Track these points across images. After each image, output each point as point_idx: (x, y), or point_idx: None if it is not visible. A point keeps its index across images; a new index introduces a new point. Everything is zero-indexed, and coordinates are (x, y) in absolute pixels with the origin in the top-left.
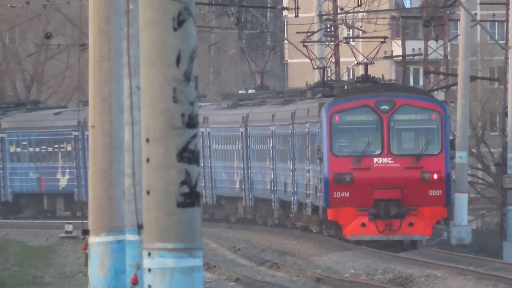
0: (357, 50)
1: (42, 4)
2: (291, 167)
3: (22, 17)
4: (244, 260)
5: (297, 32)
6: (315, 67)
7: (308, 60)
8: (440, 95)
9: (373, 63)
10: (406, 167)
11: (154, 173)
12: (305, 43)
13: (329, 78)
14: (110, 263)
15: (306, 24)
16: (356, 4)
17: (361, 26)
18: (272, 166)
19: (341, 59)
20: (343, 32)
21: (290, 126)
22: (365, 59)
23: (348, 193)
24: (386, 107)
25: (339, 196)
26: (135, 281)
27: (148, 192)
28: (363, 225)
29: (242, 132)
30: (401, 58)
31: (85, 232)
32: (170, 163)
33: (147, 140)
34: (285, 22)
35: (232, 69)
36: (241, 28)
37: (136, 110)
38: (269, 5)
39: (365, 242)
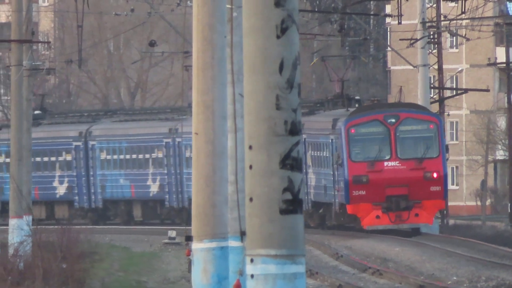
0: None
1: (146, 12)
2: (330, 172)
3: (127, 25)
4: (346, 267)
5: (400, 39)
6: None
7: (411, 67)
8: None
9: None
10: (411, 169)
11: (257, 180)
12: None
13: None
14: (213, 269)
15: (409, 31)
16: (459, 12)
17: (464, 34)
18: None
19: (444, 66)
20: (446, 39)
21: (319, 136)
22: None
23: (364, 191)
24: (393, 120)
25: (357, 194)
26: (238, 287)
27: (251, 199)
28: (377, 217)
29: None
30: (505, 65)
31: (189, 239)
32: (273, 170)
33: (250, 147)
34: (388, 29)
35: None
36: (344, 35)
37: (239, 117)
38: (372, 12)
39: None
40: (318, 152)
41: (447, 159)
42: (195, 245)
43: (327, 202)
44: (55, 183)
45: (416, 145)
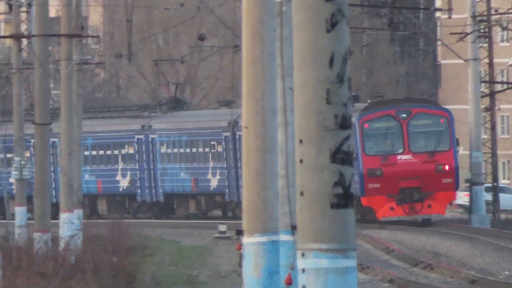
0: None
1: (195, 6)
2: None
3: (176, 19)
4: (397, 261)
5: (451, 33)
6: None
7: (461, 61)
8: None
9: None
10: (424, 162)
11: (308, 174)
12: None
13: None
14: (264, 264)
15: (459, 25)
16: (510, 5)
17: None
18: None
19: (495, 60)
20: (497, 33)
21: None
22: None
23: (379, 184)
24: (404, 115)
25: (372, 186)
26: (289, 281)
27: (301, 193)
28: (391, 208)
29: None
30: None
31: (239, 233)
32: (324, 164)
33: (301, 141)
34: (438, 23)
35: (385, 71)
36: (393, 30)
37: (289, 112)
38: (422, 6)
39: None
40: None
41: (458, 152)
42: (246, 239)
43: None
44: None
45: (428, 139)
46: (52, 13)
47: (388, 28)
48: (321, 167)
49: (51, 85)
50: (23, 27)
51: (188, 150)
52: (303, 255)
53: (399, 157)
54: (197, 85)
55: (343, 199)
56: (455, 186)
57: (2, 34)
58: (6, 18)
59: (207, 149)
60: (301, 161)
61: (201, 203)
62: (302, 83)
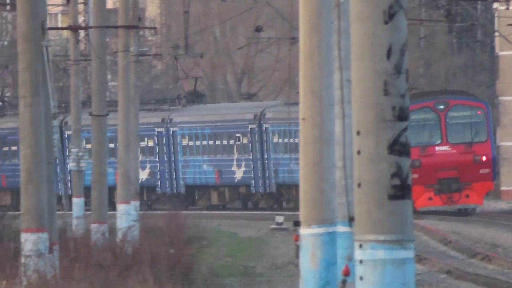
0: None
1: None
2: None
3: (233, 11)
4: (455, 252)
5: (508, 25)
6: None
7: None
8: None
9: None
10: (461, 152)
11: (365, 166)
12: None
13: None
14: (321, 255)
15: None
16: None
17: None
18: None
19: None
20: None
21: None
22: None
23: (417, 174)
24: (442, 107)
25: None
26: (346, 273)
27: (359, 185)
28: (430, 198)
29: None
30: None
31: (297, 224)
32: (381, 156)
33: (358, 132)
34: (496, 15)
35: (443, 62)
36: (451, 21)
37: (347, 103)
38: None
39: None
40: None
41: (494, 142)
42: (303, 231)
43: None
44: None
45: (465, 130)
46: (109, 4)
47: (446, 19)
48: (379, 159)
49: (108, 76)
50: (80, 19)
51: (211, 142)
52: (360, 246)
53: (437, 148)
54: (254, 76)
55: (401, 190)
56: (492, 177)
57: (60, 26)
58: (64, 10)
59: (232, 141)
60: (358, 152)
61: (225, 195)
62: (360, 75)
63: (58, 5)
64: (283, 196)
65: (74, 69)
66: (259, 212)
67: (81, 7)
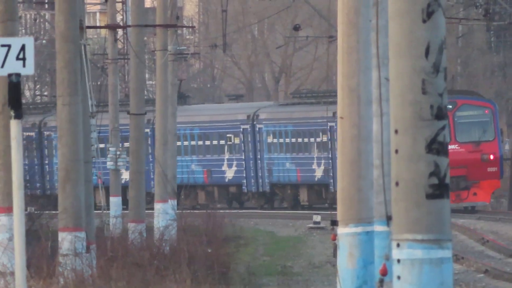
0: None
1: None
2: None
3: (271, 10)
4: (492, 252)
5: None
6: None
7: None
8: None
9: None
10: (469, 151)
11: (403, 164)
12: None
13: None
14: (359, 254)
15: None
16: None
17: None
18: None
19: None
20: None
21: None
22: None
23: None
24: (450, 107)
25: None
26: (384, 272)
27: (397, 183)
28: None
29: None
30: None
31: (334, 223)
32: (419, 155)
33: (396, 131)
34: None
35: (481, 61)
36: (489, 20)
37: (384, 101)
38: None
39: None
40: None
41: (502, 142)
42: (341, 230)
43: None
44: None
45: (473, 129)
46: (148, 3)
47: (484, 18)
48: (417, 157)
49: (146, 75)
50: (119, 18)
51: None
52: (398, 245)
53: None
54: (292, 75)
55: (438, 189)
56: (500, 175)
57: (98, 24)
58: (102, 8)
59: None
60: (396, 151)
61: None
62: (398, 73)
63: (96, 4)
64: (278, 195)
65: (112, 67)
66: (297, 211)
67: (119, 5)
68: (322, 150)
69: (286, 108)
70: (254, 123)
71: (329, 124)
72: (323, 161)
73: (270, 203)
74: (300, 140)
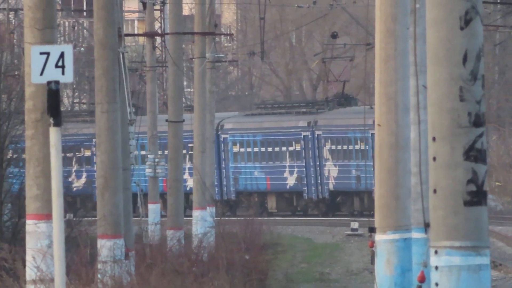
0: None
1: (328, 4)
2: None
3: (309, 17)
4: None
5: None
6: None
7: None
8: None
9: None
10: None
11: (441, 172)
12: None
13: None
14: (397, 261)
15: None
16: None
17: None
18: None
19: None
20: None
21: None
22: None
23: None
24: None
25: None
26: (422, 279)
27: (435, 191)
28: None
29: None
30: None
31: (372, 230)
32: (457, 162)
33: (434, 138)
34: None
35: None
36: None
37: (422, 109)
38: None
39: None
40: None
41: None
42: (378, 237)
43: (353, 190)
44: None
45: None
46: (186, 11)
47: None
48: (455, 165)
49: (184, 83)
50: (157, 25)
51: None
52: (436, 252)
53: None
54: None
55: (476, 196)
56: None
57: (136, 32)
58: (140, 16)
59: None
60: (434, 158)
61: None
62: (435, 80)
63: (134, 11)
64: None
65: (150, 75)
66: (334, 218)
67: (157, 13)
68: (295, 158)
69: (253, 118)
70: (219, 133)
71: (303, 133)
72: (295, 169)
73: (233, 211)
74: (270, 149)
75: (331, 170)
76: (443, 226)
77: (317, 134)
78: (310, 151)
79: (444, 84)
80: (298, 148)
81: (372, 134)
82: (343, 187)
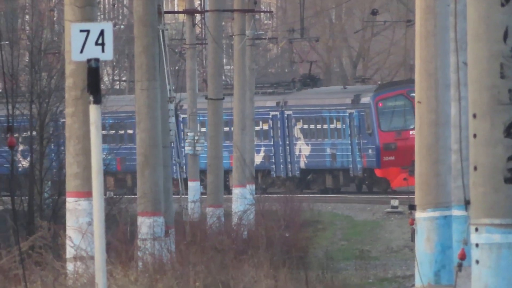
0: None
1: None
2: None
3: None
4: None
5: None
6: None
7: None
8: None
9: None
10: None
11: (481, 149)
12: None
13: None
14: (437, 238)
15: None
16: None
17: None
18: None
19: None
20: None
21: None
22: None
23: (393, 157)
24: (414, 94)
25: (387, 159)
26: (462, 256)
27: (475, 168)
28: (405, 179)
29: None
30: None
31: (412, 207)
32: (497, 139)
33: (474, 115)
34: None
35: None
36: None
37: (462, 86)
38: None
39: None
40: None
41: None
42: (418, 214)
43: (327, 168)
44: None
45: None
46: None
47: None
48: (495, 142)
49: (224, 60)
50: (196, 3)
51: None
52: (476, 230)
53: (411, 132)
54: (369, 59)
55: None
56: None
57: (176, 9)
58: None
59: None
60: (474, 135)
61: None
62: (476, 57)
63: None
64: None
65: (190, 53)
66: (374, 196)
67: None
68: (262, 138)
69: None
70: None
71: (271, 113)
72: (262, 148)
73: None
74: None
75: (303, 148)
76: (483, 204)
77: (287, 114)
78: (279, 131)
79: (484, 61)
80: (265, 127)
81: (350, 114)
82: (316, 165)
